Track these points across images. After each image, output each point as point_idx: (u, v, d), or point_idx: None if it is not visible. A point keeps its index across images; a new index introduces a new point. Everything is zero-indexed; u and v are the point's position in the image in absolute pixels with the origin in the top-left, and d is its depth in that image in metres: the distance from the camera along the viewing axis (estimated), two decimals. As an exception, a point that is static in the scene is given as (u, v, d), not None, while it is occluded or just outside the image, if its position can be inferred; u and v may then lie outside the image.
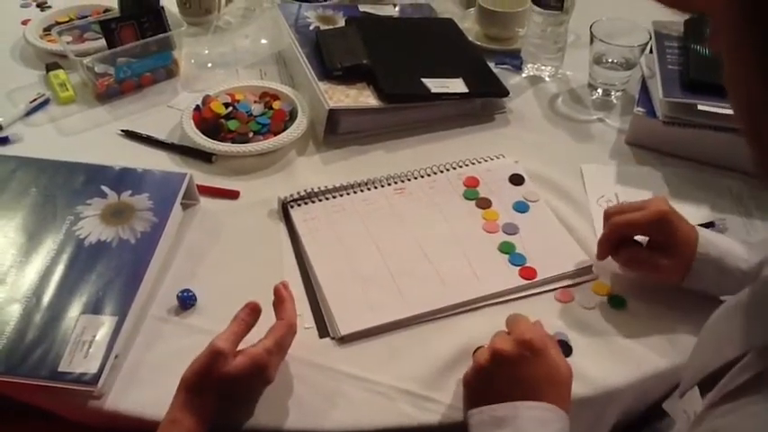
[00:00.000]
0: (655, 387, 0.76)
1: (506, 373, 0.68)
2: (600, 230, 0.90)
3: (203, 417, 0.66)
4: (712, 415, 0.46)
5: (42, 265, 0.81)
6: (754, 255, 0.77)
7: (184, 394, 0.67)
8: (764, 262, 0.73)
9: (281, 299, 0.75)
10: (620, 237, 0.82)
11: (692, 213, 0.92)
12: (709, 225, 0.91)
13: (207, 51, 1.24)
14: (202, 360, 0.68)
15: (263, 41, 1.25)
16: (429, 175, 0.99)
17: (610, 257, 0.83)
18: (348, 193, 0.95)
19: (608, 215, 0.82)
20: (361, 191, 0.96)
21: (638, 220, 0.79)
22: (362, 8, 1.28)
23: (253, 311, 0.73)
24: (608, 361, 0.76)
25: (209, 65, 1.21)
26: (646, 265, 0.81)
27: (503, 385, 0.67)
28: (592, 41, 1.09)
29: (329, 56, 1.09)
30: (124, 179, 0.91)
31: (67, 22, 1.27)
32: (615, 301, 0.82)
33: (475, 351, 0.74)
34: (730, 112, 0.86)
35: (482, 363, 0.69)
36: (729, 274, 0.76)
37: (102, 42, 1.12)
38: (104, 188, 0.90)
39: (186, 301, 0.81)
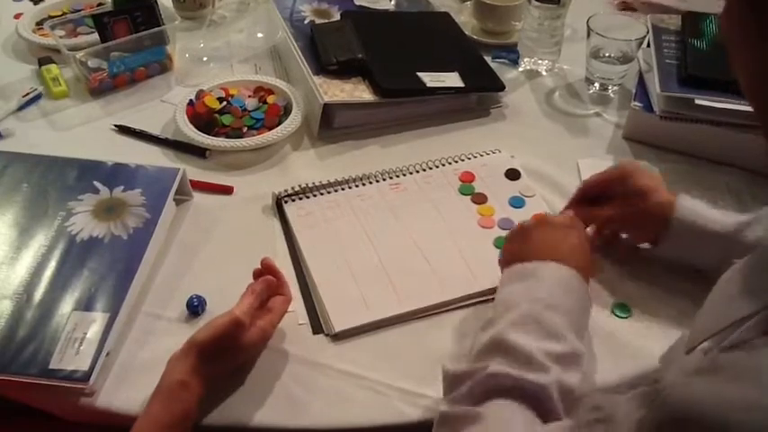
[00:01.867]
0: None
1: (543, 234, 0.73)
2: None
3: (209, 384, 0.68)
4: (712, 365, 0.45)
5: (33, 261, 0.80)
6: (729, 218, 0.77)
7: (197, 359, 0.68)
8: (741, 227, 0.75)
9: (276, 274, 0.78)
10: (582, 195, 0.84)
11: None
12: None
13: (201, 46, 1.23)
14: (222, 328, 0.69)
15: (258, 36, 1.24)
16: (424, 170, 0.98)
17: None
18: (343, 189, 0.94)
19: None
20: (356, 186, 0.95)
21: (598, 175, 0.84)
22: (358, 2, 1.27)
23: (269, 287, 0.76)
24: (606, 356, 0.75)
25: (204, 59, 1.21)
26: (599, 214, 0.82)
27: (538, 245, 0.72)
28: (589, 35, 1.08)
29: (324, 50, 1.08)
30: (117, 175, 0.90)
31: (60, 15, 1.26)
32: (620, 308, 0.81)
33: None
34: (728, 106, 0.86)
35: (524, 224, 0.76)
36: (706, 237, 0.77)
37: (96, 36, 1.12)
38: (97, 184, 0.89)
39: (195, 308, 0.80)
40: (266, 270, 0.78)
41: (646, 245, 0.84)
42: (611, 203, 0.81)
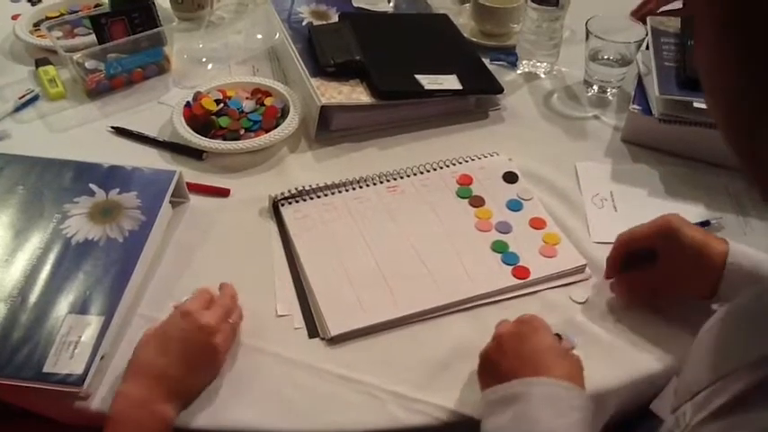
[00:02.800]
0: (647, 388, 0.75)
1: (511, 353, 0.68)
2: (594, 229, 0.90)
3: (146, 377, 0.70)
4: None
5: (28, 263, 0.80)
6: None
7: (125, 375, 0.70)
8: None
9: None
10: (625, 251, 0.79)
11: (687, 211, 0.91)
12: (704, 224, 0.90)
13: (200, 46, 1.23)
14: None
15: (256, 37, 1.24)
16: (422, 173, 0.97)
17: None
18: (340, 191, 0.94)
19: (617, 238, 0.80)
20: (353, 189, 0.94)
21: (640, 230, 0.78)
22: (356, 3, 1.26)
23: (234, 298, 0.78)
24: (600, 362, 0.75)
25: (203, 60, 1.20)
26: (643, 281, 0.78)
27: (510, 365, 0.67)
28: (587, 38, 1.08)
29: (322, 52, 1.08)
30: (113, 177, 0.90)
31: (58, 17, 1.25)
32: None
33: None
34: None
35: (486, 349, 0.70)
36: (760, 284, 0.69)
37: (93, 38, 1.11)
38: (92, 186, 0.88)
39: None
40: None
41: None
42: (660, 264, 0.76)
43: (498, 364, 0.68)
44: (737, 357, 0.46)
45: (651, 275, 0.78)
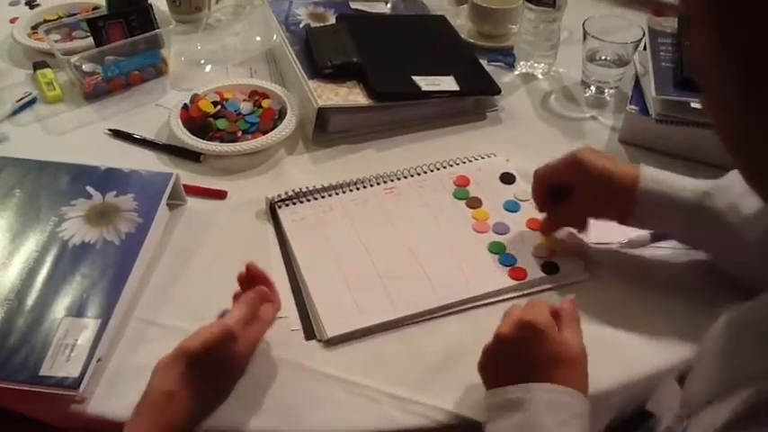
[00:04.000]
0: (646, 389, 0.75)
1: (512, 356, 0.67)
2: (591, 230, 0.90)
3: (199, 396, 0.66)
4: None
5: (25, 266, 0.80)
6: (699, 185, 0.77)
7: (186, 368, 0.66)
8: (708, 193, 0.76)
9: (266, 281, 0.76)
10: (546, 186, 0.84)
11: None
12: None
13: (197, 49, 1.23)
14: (214, 338, 0.67)
15: (254, 39, 1.24)
16: (419, 175, 0.97)
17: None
18: (337, 193, 0.94)
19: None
20: (350, 191, 0.94)
21: (554, 165, 0.83)
22: (354, 5, 1.26)
23: (262, 297, 0.74)
24: (598, 362, 0.75)
25: (201, 62, 1.20)
26: (561, 214, 0.84)
27: (511, 368, 0.67)
28: (585, 38, 1.08)
29: (319, 53, 1.08)
30: (109, 179, 0.90)
31: (56, 20, 1.25)
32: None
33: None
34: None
35: (488, 347, 0.69)
36: (674, 205, 0.77)
37: (91, 41, 1.11)
38: (89, 189, 0.88)
39: None
40: (255, 277, 0.76)
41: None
42: (575, 195, 0.81)
43: (499, 366, 0.68)
44: (746, 369, 0.45)
45: (572, 206, 0.83)
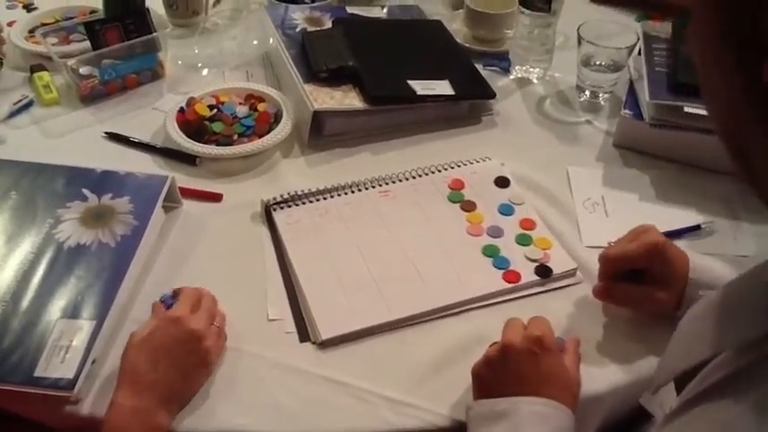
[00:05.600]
0: (638, 391, 0.75)
1: (513, 368, 0.67)
2: (585, 234, 0.91)
3: (140, 387, 0.69)
4: (678, 420, 0.45)
5: (20, 268, 0.80)
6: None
7: (117, 384, 0.70)
8: None
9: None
10: (615, 271, 0.79)
11: (679, 216, 0.93)
12: (695, 228, 0.90)
13: (193, 53, 1.23)
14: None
15: (250, 43, 1.25)
16: (414, 178, 0.98)
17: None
18: (332, 196, 0.94)
19: (602, 254, 0.79)
20: (345, 194, 0.95)
21: (632, 251, 0.76)
22: (350, 10, 1.27)
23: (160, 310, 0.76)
24: (591, 365, 0.75)
25: (198, 65, 1.21)
26: (642, 301, 0.78)
27: (508, 379, 0.67)
28: (580, 43, 1.09)
29: (315, 57, 1.08)
30: (105, 182, 0.90)
31: (53, 23, 1.26)
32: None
33: (491, 345, 0.72)
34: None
35: (492, 355, 0.69)
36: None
37: (88, 44, 1.12)
38: (85, 191, 0.89)
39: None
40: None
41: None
42: (648, 281, 0.77)
43: (497, 375, 0.68)
44: (718, 342, 0.46)
45: (637, 291, 0.78)
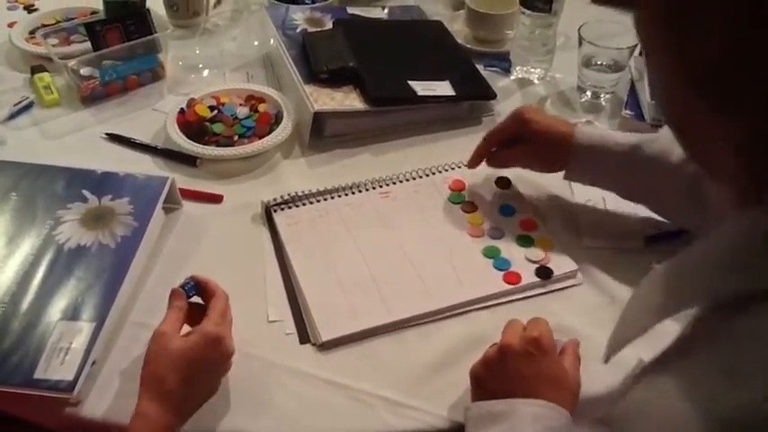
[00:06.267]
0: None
1: (511, 369, 0.67)
2: (586, 234, 0.90)
3: (170, 404, 0.66)
4: (646, 379, 0.45)
5: (21, 269, 0.80)
6: (630, 138, 0.85)
7: (146, 388, 0.67)
8: (638, 144, 0.83)
9: (201, 284, 0.76)
10: (491, 146, 0.93)
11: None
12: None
13: (194, 54, 1.24)
14: (149, 349, 0.69)
15: (251, 44, 1.25)
16: (414, 179, 0.98)
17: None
18: (333, 197, 0.94)
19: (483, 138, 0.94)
20: (346, 195, 0.95)
21: (498, 126, 0.92)
22: (351, 10, 1.27)
23: (181, 298, 0.75)
24: (590, 365, 0.75)
25: (198, 66, 1.21)
26: (507, 156, 0.92)
27: (506, 381, 0.67)
28: (580, 44, 1.08)
29: (315, 58, 1.08)
30: (105, 183, 0.90)
31: (54, 24, 1.26)
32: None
33: (490, 346, 0.72)
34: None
35: (490, 356, 0.69)
36: (607, 157, 0.84)
37: (88, 45, 1.12)
38: (85, 192, 0.89)
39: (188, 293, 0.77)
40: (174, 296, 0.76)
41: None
42: (518, 145, 0.90)
43: (496, 376, 0.68)
44: (662, 313, 0.46)
45: (515, 151, 0.91)
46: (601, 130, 0.90)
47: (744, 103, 0.39)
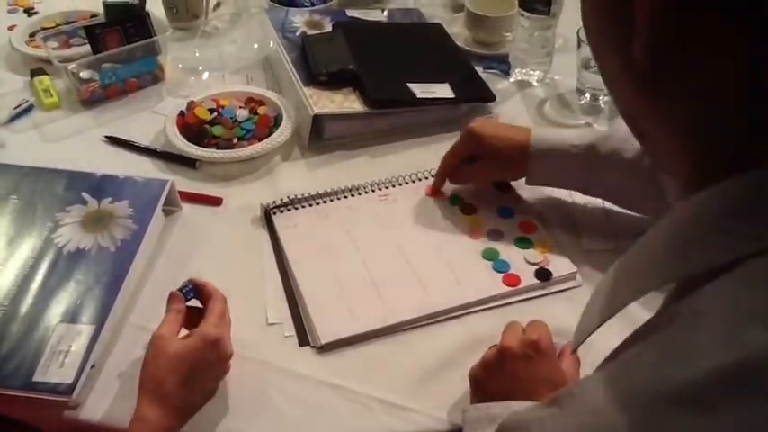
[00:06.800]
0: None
1: (509, 371, 0.67)
2: (586, 237, 0.90)
3: (169, 407, 0.66)
4: (613, 362, 0.44)
5: (20, 272, 0.80)
6: (585, 138, 0.85)
7: (145, 390, 0.67)
8: (593, 144, 0.84)
9: (199, 287, 0.76)
10: (450, 168, 0.93)
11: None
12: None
13: (194, 56, 1.24)
14: (148, 353, 0.69)
15: (250, 46, 1.25)
16: (414, 182, 0.98)
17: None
18: (332, 200, 0.94)
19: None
20: (345, 197, 0.95)
21: (452, 147, 0.93)
22: (350, 13, 1.27)
23: (180, 301, 0.74)
24: (589, 368, 0.75)
25: (198, 69, 1.21)
26: (468, 174, 0.93)
27: (504, 383, 0.67)
28: (579, 46, 1.08)
29: (315, 61, 1.09)
30: (105, 186, 0.90)
31: (54, 27, 1.26)
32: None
33: (489, 348, 0.72)
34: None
35: (488, 358, 0.69)
36: (564, 159, 0.85)
37: (88, 48, 1.12)
38: (85, 195, 0.89)
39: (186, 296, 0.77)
40: (172, 299, 0.75)
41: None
42: (477, 162, 0.91)
43: (494, 378, 0.68)
44: (616, 304, 0.46)
45: (474, 169, 0.92)
46: (555, 131, 0.92)
47: (681, 84, 0.38)
